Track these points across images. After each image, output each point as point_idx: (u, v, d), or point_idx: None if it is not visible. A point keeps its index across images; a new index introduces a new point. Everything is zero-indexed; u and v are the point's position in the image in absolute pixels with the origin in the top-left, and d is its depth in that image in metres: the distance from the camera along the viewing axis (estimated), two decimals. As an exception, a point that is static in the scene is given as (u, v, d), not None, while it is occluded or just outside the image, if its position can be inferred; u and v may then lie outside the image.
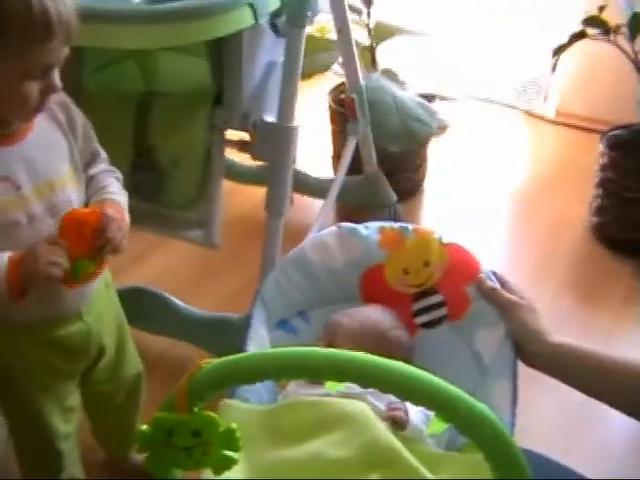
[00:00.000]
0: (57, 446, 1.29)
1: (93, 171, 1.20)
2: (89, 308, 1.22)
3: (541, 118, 3.17)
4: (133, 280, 1.93)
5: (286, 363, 0.75)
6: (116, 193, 1.19)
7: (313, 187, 2.32)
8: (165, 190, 1.68)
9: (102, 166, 1.22)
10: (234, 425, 0.78)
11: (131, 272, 2.08)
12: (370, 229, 1.26)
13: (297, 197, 2.41)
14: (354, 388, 1.09)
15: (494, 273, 1.20)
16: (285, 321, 1.24)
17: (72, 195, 1.14)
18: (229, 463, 0.79)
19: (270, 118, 1.64)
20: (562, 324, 2.13)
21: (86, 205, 1.17)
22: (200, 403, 0.76)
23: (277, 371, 0.76)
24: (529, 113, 3.20)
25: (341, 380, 0.75)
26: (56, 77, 1.03)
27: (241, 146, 1.70)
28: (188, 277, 2.18)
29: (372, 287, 1.25)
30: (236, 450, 0.79)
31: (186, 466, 0.80)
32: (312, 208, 2.25)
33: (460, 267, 1.21)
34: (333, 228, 1.27)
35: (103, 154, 1.23)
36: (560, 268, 2.39)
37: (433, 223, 2.60)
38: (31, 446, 1.32)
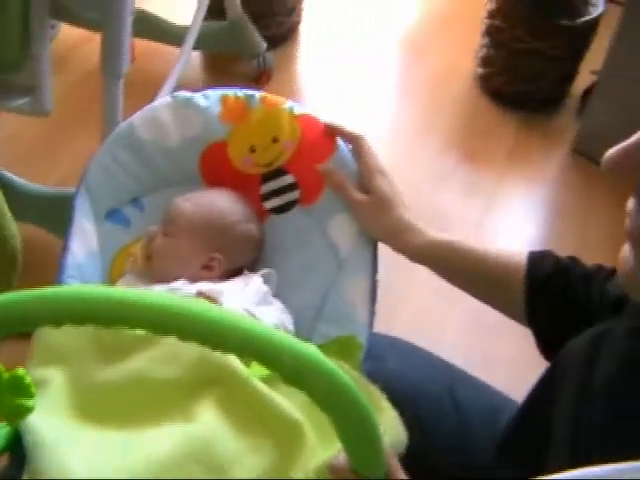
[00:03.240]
0: None
1: None
2: None
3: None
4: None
5: (61, 308, 0.59)
6: None
7: (169, 34, 2.06)
8: (-19, 50, 1.43)
9: None
10: (20, 370, 0.67)
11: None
12: (210, 99, 1.07)
13: (158, 46, 2.17)
14: (182, 287, 0.96)
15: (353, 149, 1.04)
16: (116, 210, 1.07)
17: None
18: (23, 412, 0.69)
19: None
20: (446, 181, 2.05)
21: None
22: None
23: (52, 317, 0.60)
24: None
25: (130, 328, 0.59)
26: None
27: (67, -6, 1.44)
28: (26, 150, 1.94)
29: (214, 168, 1.08)
30: (29, 397, 0.68)
31: (-28, 418, 0.69)
32: (173, 57, 2.01)
33: (313, 143, 1.04)
34: (166, 99, 1.07)
35: None
36: (445, 122, 2.27)
37: (309, 73, 2.40)
38: None
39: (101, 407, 0.84)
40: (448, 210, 1.98)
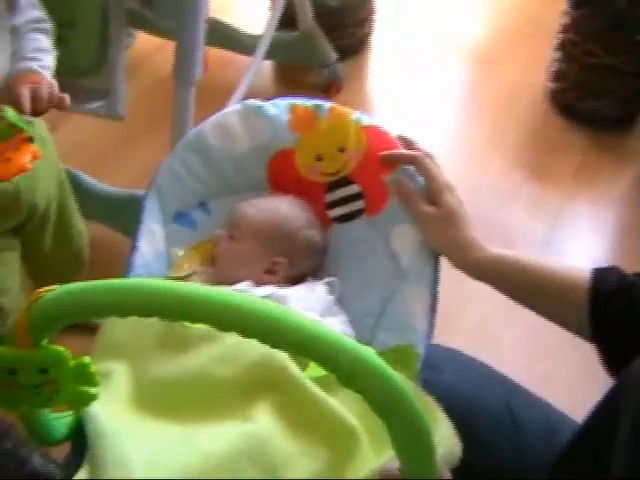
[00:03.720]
0: None
1: (18, 20, 1.09)
2: None
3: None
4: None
5: (130, 299, 0.61)
6: (36, 59, 1.13)
7: (241, 44, 2.09)
8: (62, 55, 1.48)
9: (28, 15, 1.10)
10: (86, 359, 0.68)
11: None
12: (279, 108, 1.09)
13: (229, 54, 2.21)
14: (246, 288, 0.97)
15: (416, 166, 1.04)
16: (183, 214, 1.10)
17: None
18: (86, 399, 0.70)
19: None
20: (511, 198, 2.03)
21: None
22: (46, 336, 0.65)
23: (121, 308, 0.63)
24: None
25: (194, 322, 0.61)
26: None
27: (145, 2, 1.48)
28: (99, 153, 2.00)
29: (281, 175, 1.09)
30: (93, 385, 0.69)
31: (37, 404, 0.71)
32: (244, 66, 2.04)
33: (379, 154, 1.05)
34: (236, 106, 1.10)
35: None
36: (512, 138, 2.24)
37: (378, 85, 2.41)
38: None
39: (161, 401, 0.86)
40: (513, 227, 1.96)
